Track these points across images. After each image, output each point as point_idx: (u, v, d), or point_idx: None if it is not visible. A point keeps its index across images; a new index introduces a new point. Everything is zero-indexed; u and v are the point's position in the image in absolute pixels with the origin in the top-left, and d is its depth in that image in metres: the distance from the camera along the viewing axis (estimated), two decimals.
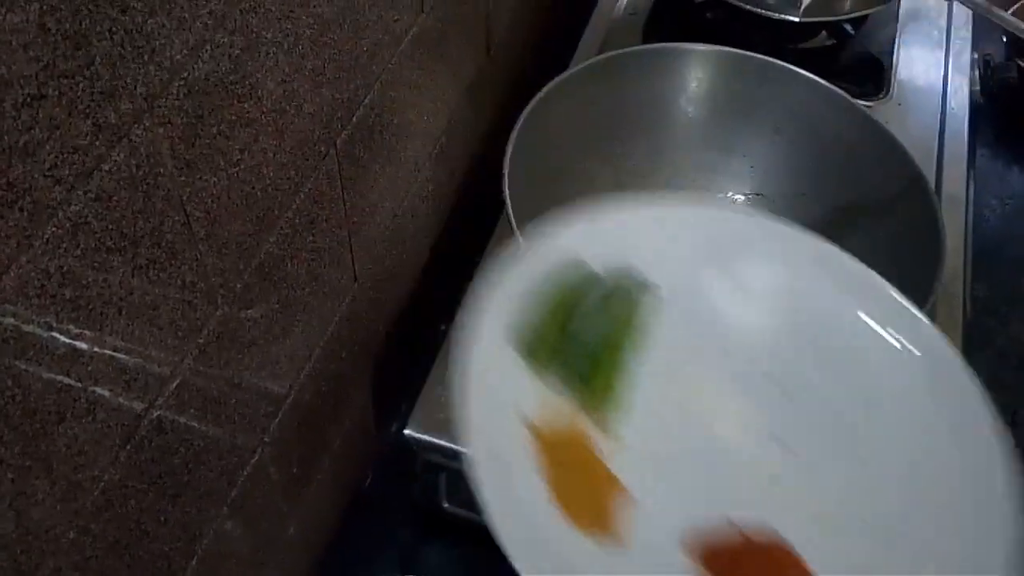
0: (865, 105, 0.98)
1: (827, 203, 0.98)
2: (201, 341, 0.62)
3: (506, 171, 0.84)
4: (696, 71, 1.01)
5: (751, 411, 0.68)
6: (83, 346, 0.50)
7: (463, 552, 0.97)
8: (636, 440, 0.64)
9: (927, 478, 0.64)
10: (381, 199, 0.86)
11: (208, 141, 0.56)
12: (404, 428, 0.87)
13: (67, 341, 0.48)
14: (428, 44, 0.88)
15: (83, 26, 0.43)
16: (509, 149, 0.86)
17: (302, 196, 0.70)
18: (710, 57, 1.01)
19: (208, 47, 0.53)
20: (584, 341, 0.66)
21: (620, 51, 1.00)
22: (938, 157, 1.12)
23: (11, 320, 0.44)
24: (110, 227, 0.49)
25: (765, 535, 0.62)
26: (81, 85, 0.44)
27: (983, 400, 0.64)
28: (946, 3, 1.31)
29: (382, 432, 1.04)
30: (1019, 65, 1.33)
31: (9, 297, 0.43)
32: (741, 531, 0.62)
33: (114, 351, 0.52)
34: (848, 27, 1.26)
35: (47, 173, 0.43)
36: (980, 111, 1.27)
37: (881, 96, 1.19)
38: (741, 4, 1.16)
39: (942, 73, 1.23)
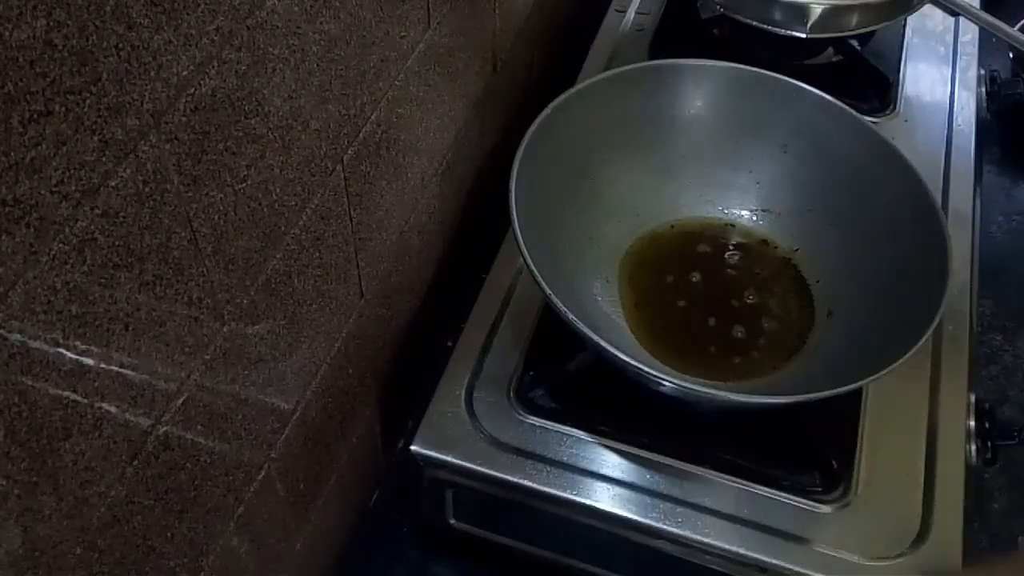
0: (872, 121, 0.98)
1: (833, 219, 0.98)
2: (208, 357, 0.62)
3: (512, 187, 0.84)
4: (703, 87, 1.01)
5: None
6: (89, 362, 0.50)
7: (470, 569, 0.97)
8: None
9: None
10: (388, 215, 0.87)
11: (215, 157, 0.56)
12: (411, 444, 0.87)
13: (73, 357, 0.48)
14: (435, 61, 0.88)
15: (90, 42, 0.43)
16: (515, 165, 0.86)
17: (308, 212, 0.70)
18: (717, 73, 1.01)
19: (215, 63, 0.53)
20: None
21: (627, 67, 1.00)
22: (944, 173, 1.12)
23: (17, 336, 0.44)
24: (117, 243, 0.49)
25: None
26: (88, 101, 0.44)
27: None
28: (952, 19, 1.31)
29: (388, 448, 1.04)
30: None
31: (16, 313, 0.43)
32: None
33: (120, 367, 0.52)
34: (855, 43, 1.26)
35: (54, 189, 0.43)
36: (987, 127, 1.27)
37: (888, 112, 1.19)
38: (748, 20, 1.16)
39: (949, 89, 1.23)
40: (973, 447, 0.91)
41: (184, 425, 0.61)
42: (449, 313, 0.99)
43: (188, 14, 0.50)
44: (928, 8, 1.19)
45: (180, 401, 0.60)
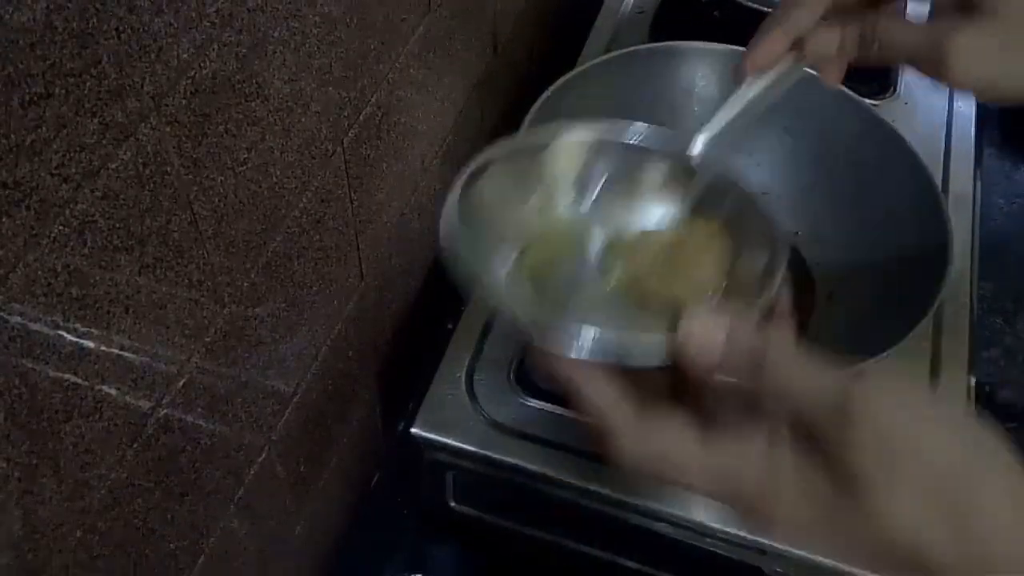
0: (872, 104, 0.98)
1: (834, 202, 0.98)
2: (208, 340, 0.62)
3: None
4: (703, 69, 1.01)
5: None
6: (90, 345, 0.50)
7: (470, 551, 0.97)
8: None
9: None
10: (388, 198, 0.87)
11: (215, 140, 0.56)
12: (411, 427, 0.87)
13: (74, 340, 0.48)
14: (435, 43, 0.88)
15: (90, 25, 0.43)
16: None
17: (309, 195, 0.70)
18: (717, 55, 1.00)
19: (215, 46, 0.53)
20: None
21: (627, 49, 1.00)
22: (945, 156, 1.12)
23: (18, 319, 0.44)
24: (117, 226, 0.49)
25: None
26: (88, 84, 0.44)
27: None
28: None
29: (389, 431, 1.04)
30: None
31: (16, 295, 0.43)
32: None
33: (121, 350, 0.52)
34: None
35: (54, 172, 0.43)
36: (987, 110, 1.27)
37: (888, 95, 1.18)
38: (748, 2, 1.16)
39: None
40: None
41: (184, 408, 0.61)
42: (449, 295, 0.99)
43: None
44: None
45: (180, 384, 0.60)
